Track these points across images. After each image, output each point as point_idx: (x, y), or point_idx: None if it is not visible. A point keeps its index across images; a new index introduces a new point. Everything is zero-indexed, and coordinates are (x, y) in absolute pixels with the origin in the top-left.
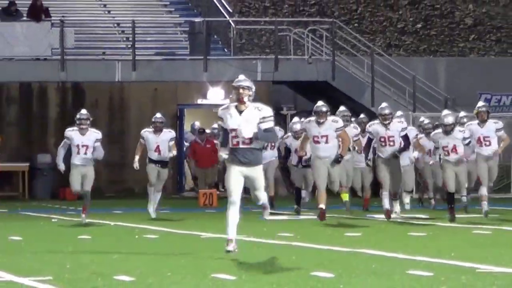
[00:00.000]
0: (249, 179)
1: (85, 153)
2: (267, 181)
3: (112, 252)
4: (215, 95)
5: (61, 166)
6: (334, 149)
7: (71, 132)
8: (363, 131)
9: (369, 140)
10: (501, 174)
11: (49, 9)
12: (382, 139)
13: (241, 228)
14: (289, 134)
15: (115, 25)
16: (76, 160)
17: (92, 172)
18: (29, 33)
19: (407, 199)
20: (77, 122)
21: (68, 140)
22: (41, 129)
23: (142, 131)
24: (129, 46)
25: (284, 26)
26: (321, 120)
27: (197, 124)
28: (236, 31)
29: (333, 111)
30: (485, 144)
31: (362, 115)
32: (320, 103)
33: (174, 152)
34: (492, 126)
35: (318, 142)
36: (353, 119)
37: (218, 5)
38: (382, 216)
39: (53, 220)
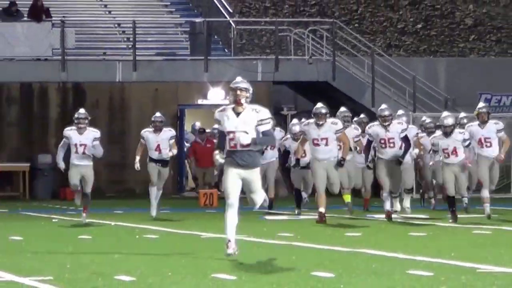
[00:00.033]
0: (246, 182)
1: (83, 152)
2: (268, 182)
3: (112, 252)
4: (216, 95)
5: (61, 165)
6: (334, 151)
7: (70, 131)
8: (363, 131)
9: (369, 142)
10: (501, 174)
11: (50, 9)
12: (382, 141)
13: (241, 228)
14: (288, 136)
15: (116, 25)
16: (75, 160)
17: (91, 173)
18: (30, 33)
19: (407, 202)
20: (75, 121)
21: (67, 139)
22: (42, 129)
23: (142, 131)
24: (130, 46)
25: (284, 26)
26: (321, 122)
27: (198, 124)
28: (236, 31)
29: (334, 112)
30: (486, 146)
31: (362, 115)
32: (319, 105)
33: (174, 151)
34: (493, 127)
35: (317, 145)
36: (355, 118)
37: (219, 5)
38: (382, 216)
39: (53, 220)
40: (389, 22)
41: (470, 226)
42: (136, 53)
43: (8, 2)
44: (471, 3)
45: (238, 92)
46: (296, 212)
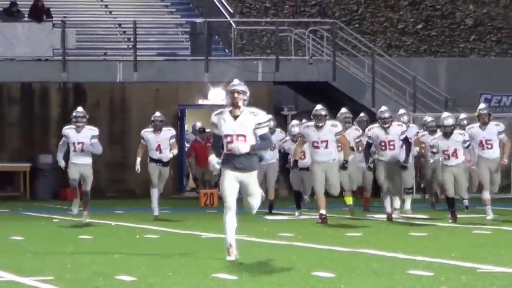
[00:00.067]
0: (243, 185)
1: (82, 151)
2: (268, 184)
3: (113, 252)
4: (216, 95)
5: (61, 163)
6: (333, 154)
7: (68, 130)
8: (363, 129)
9: (368, 144)
10: (502, 175)
11: (51, 9)
12: (383, 143)
13: (242, 228)
14: (288, 138)
15: (117, 25)
16: (74, 159)
17: (90, 171)
18: (31, 33)
19: (408, 204)
20: (73, 120)
21: (66, 138)
22: (43, 130)
23: (142, 132)
24: (131, 46)
25: (285, 26)
26: (320, 124)
27: (198, 124)
28: (237, 31)
29: (334, 112)
30: (487, 148)
31: (362, 114)
32: (319, 106)
33: (175, 151)
34: (494, 129)
35: (317, 147)
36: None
37: (219, 5)
38: (383, 216)
39: (54, 220)
40: (389, 22)
41: (470, 226)
42: (137, 54)
43: (9, 3)
44: (471, 4)
45: (236, 94)
46: (296, 213)
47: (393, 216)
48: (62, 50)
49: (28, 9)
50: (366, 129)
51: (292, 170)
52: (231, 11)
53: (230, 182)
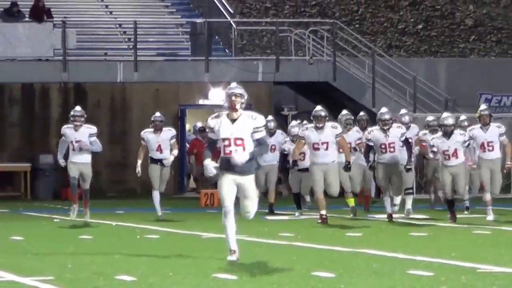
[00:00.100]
0: (240, 188)
1: (80, 149)
2: (269, 185)
3: (113, 252)
4: (217, 95)
5: (61, 162)
6: (333, 155)
7: (66, 129)
8: (363, 128)
9: (368, 147)
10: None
11: (51, 10)
12: (383, 146)
13: (242, 228)
14: (287, 138)
15: (117, 26)
16: (73, 158)
17: (89, 170)
18: (31, 34)
19: (409, 204)
20: (71, 119)
21: (65, 137)
22: (43, 130)
23: (142, 132)
24: (131, 46)
25: (285, 27)
26: (320, 125)
27: (199, 125)
28: (237, 32)
29: (334, 112)
30: (489, 150)
31: (362, 113)
32: (318, 107)
33: (175, 152)
34: (496, 130)
35: (318, 149)
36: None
37: (220, 6)
38: (383, 216)
39: (54, 220)
40: (389, 22)
41: (470, 226)
42: (137, 54)
43: (10, 3)
44: (471, 4)
45: (233, 98)
46: (296, 214)
47: (394, 208)
48: (63, 50)
49: (28, 10)
50: (366, 132)
51: (291, 171)
52: (232, 11)
53: (228, 185)
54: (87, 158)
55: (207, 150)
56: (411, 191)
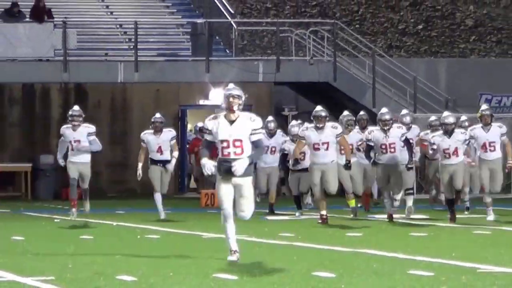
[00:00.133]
0: (237, 188)
1: (79, 149)
2: (270, 187)
3: (114, 252)
4: (217, 96)
5: (61, 161)
6: (332, 156)
7: (65, 129)
8: (362, 128)
9: (369, 147)
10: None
11: (52, 10)
12: (383, 146)
13: (242, 228)
14: (287, 139)
15: (118, 26)
16: (72, 157)
17: (88, 170)
18: (32, 34)
19: (410, 203)
20: (69, 118)
21: (64, 137)
22: (44, 130)
23: (142, 134)
24: (132, 47)
25: (285, 27)
26: (320, 125)
27: (200, 125)
28: (238, 32)
29: (334, 113)
30: (490, 150)
31: (362, 112)
32: (319, 107)
33: (176, 153)
34: (497, 130)
35: (318, 149)
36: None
37: (220, 6)
38: (383, 216)
39: (55, 220)
40: (390, 23)
41: (470, 226)
42: (138, 54)
43: (10, 3)
44: (471, 4)
45: (231, 99)
46: (297, 214)
47: (395, 203)
48: (63, 51)
49: (29, 10)
50: (366, 132)
51: (290, 172)
52: (232, 11)
53: (226, 187)
54: (86, 158)
55: (204, 149)
56: (411, 191)
